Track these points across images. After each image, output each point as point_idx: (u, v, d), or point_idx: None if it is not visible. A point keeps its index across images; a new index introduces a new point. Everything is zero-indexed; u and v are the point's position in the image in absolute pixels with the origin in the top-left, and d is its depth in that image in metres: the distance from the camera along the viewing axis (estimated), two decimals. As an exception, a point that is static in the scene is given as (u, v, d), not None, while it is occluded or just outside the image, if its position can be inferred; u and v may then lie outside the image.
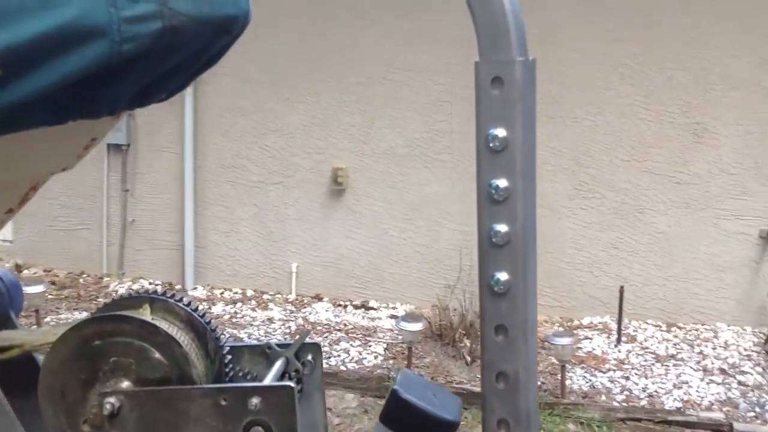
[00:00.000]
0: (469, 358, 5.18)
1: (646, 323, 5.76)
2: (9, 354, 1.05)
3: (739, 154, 5.52)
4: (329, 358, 5.28)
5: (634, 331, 5.69)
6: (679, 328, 5.73)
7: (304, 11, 6.05)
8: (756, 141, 5.47)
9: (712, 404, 4.70)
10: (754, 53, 5.39)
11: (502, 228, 0.84)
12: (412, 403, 0.99)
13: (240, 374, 1.10)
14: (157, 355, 0.99)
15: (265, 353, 1.11)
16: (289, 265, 6.33)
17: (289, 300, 6.30)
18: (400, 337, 5.40)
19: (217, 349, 1.05)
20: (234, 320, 5.97)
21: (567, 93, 5.67)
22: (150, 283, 6.60)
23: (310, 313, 6.05)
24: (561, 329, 5.60)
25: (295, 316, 6.01)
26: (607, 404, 4.70)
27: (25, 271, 6.81)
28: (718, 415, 4.50)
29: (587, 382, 5.00)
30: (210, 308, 6.17)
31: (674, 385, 4.95)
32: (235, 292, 6.47)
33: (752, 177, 5.52)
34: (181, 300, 1.05)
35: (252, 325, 5.88)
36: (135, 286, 6.54)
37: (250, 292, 6.43)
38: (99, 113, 0.89)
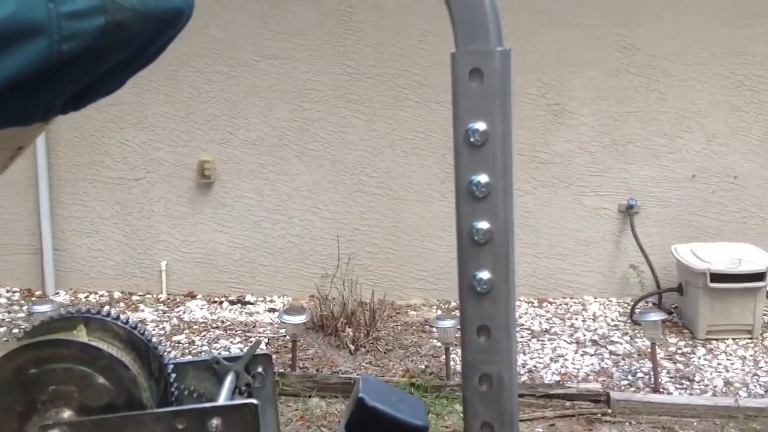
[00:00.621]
0: (352, 347, 5.18)
1: (519, 300, 5.93)
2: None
3: (596, 133, 5.75)
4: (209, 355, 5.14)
5: (507, 308, 5.84)
6: (550, 303, 5.93)
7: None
8: (611, 120, 5.72)
9: (588, 375, 4.90)
10: (606, 34, 5.62)
11: (483, 225, 0.81)
12: (380, 411, 0.95)
13: (186, 393, 1.02)
14: (101, 379, 0.90)
15: (212, 368, 1.03)
16: (158, 263, 6.11)
17: (161, 300, 6.08)
18: (281, 331, 5.33)
19: (161, 368, 0.97)
20: (102, 324, 5.70)
21: (433, 77, 5.72)
22: (7, 291, 6.21)
23: (184, 312, 5.86)
24: (440, 312, 5.68)
25: (168, 316, 5.81)
26: (490, 382, 4.81)
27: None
28: (595, 386, 4.70)
29: (467, 362, 5.09)
30: (74, 313, 5.87)
31: (551, 359, 5.12)
32: (102, 295, 6.19)
33: (609, 154, 5.77)
34: (118, 318, 0.97)
35: (122, 328, 5.64)
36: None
37: (117, 294, 6.17)
38: (32, 119, 0.79)
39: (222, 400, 0.97)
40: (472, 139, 0.79)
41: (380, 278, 5.92)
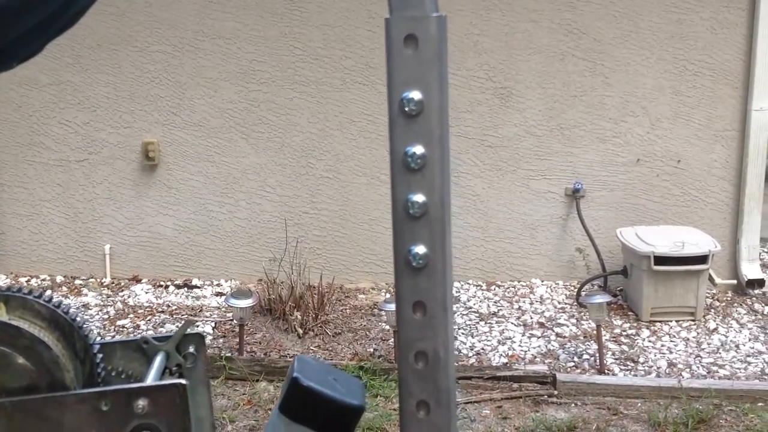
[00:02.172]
0: (300, 331, 5.14)
1: (468, 283, 5.95)
2: None
3: (543, 117, 5.78)
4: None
5: (457, 291, 5.86)
6: (498, 286, 5.96)
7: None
8: (558, 103, 5.75)
9: (535, 357, 4.93)
10: (551, 19, 5.64)
11: (419, 198, 0.78)
12: (315, 390, 0.92)
13: (114, 374, 0.98)
14: (22, 360, 0.86)
15: (141, 348, 0.99)
16: (101, 246, 5.99)
17: (105, 284, 5.97)
18: (228, 315, 5.27)
19: (86, 348, 0.93)
20: (43, 309, 5.57)
21: (380, 59, 5.67)
22: (-57, 276, 6.04)
23: (128, 296, 5.76)
24: (389, 295, 5.67)
25: (112, 300, 5.70)
26: (437, 364, 4.82)
27: None
28: (541, 368, 4.74)
29: (415, 345, 5.09)
30: (15, 298, 5.73)
31: (499, 342, 5.15)
32: (43, 279, 6.05)
33: (556, 138, 5.80)
34: (41, 296, 0.92)
35: (64, 313, 5.52)
36: (-75, 280, 5.95)
37: (59, 278, 6.04)
38: None
39: (150, 380, 0.93)
40: (406, 109, 0.77)
41: (329, 262, 5.88)
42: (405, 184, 0.78)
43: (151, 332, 5.19)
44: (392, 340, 4.86)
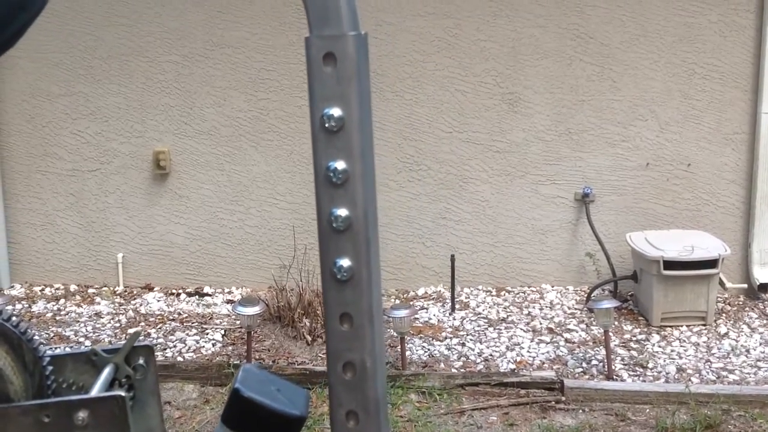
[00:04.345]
0: (309, 338, 5.16)
1: (477, 289, 5.95)
2: None
3: (551, 122, 5.77)
4: (165, 350, 5.10)
5: (466, 297, 5.87)
6: (508, 291, 5.96)
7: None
8: (566, 108, 5.75)
9: (543, 363, 4.92)
10: (557, 23, 5.64)
11: (342, 212, 0.80)
12: (255, 401, 0.93)
13: (64, 386, 1.00)
14: (-35, 374, 0.88)
15: (90, 360, 1.01)
16: (114, 255, 6.05)
17: (117, 292, 6.03)
18: (238, 322, 5.30)
19: (35, 361, 0.95)
20: (58, 318, 5.64)
21: (389, 66, 5.72)
22: (-41, 285, 6.13)
23: (141, 305, 5.81)
24: (398, 302, 5.69)
25: (125, 309, 5.76)
26: (446, 372, 4.83)
27: None
28: (549, 374, 4.72)
29: (426, 352, 5.11)
30: (30, 307, 5.80)
31: (507, 348, 5.14)
32: (57, 288, 6.12)
33: (564, 143, 5.79)
34: (-11, 310, 0.94)
35: (78, 321, 5.58)
36: (-58, 290, 6.04)
37: (73, 287, 6.10)
38: None
39: (95, 392, 0.95)
40: (327, 125, 0.78)
41: (338, 268, 5.90)
42: (328, 198, 0.79)
43: (161, 340, 5.24)
44: (399, 347, 4.87)
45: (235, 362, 4.78)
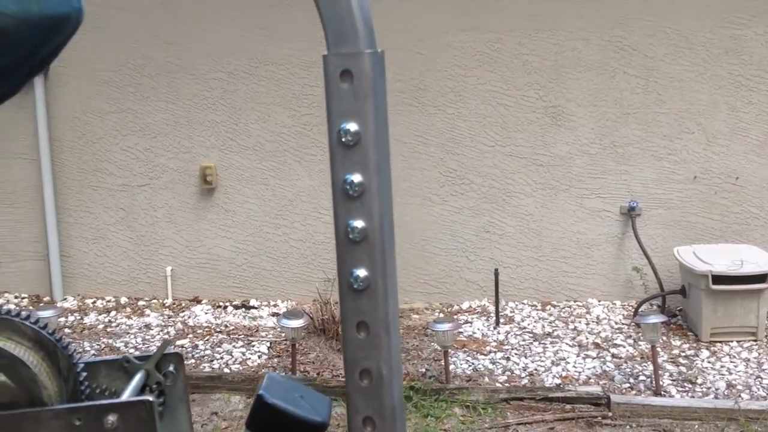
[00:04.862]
0: (351, 351, 5.18)
1: (522, 303, 5.92)
2: None
3: (595, 135, 5.74)
4: (212, 361, 5.18)
5: (511, 312, 5.84)
6: (554, 306, 5.92)
7: (157, 7, 5.88)
8: (610, 121, 5.71)
9: (590, 378, 4.88)
10: (600, 36, 5.61)
11: (358, 224, 0.82)
12: (279, 407, 0.96)
13: (98, 391, 1.04)
14: (2, 377, 0.92)
15: (123, 367, 1.06)
16: (163, 268, 6.16)
17: (166, 305, 6.14)
18: (283, 335, 5.36)
19: (70, 367, 0.99)
20: (109, 329, 5.76)
21: (430, 81, 5.75)
22: (16, 297, 6.29)
23: (189, 317, 5.91)
24: (442, 315, 5.69)
25: (173, 321, 5.86)
26: (491, 386, 4.81)
27: None
28: (595, 389, 4.68)
29: (470, 366, 5.10)
30: (82, 318, 5.94)
31: (552, 362, 5.11)
32: (108, 301, 6.25)
33: (609, 156, 5.75)
34: (27, 318, 0.99)
35: (129, 333, 5.70)
36: (0, 301, 6.21)
37: (124, 300, 6.23)
38: None
39: (125, 397, 0.99)
40: (344, 139, 0.81)
41: (382, 282, 5.92)
42: (345, 210, 0.82)
43: (208, 352, 5.31)
44: (443, 360, 4.87)
45: (280, 374, 4.82)
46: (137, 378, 1.02)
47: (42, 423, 0.91)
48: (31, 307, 6.01)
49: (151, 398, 0.92)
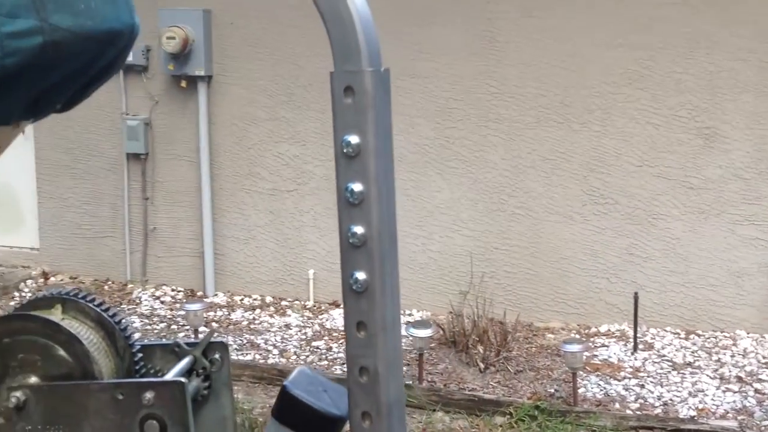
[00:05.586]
0: (482, 365, 5.20)
1: (665, 330, 5.72)
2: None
3: (751, 159, 5.47)
4: (344, 363, 5.32)
5: (651, 338, 5.66)
6: (698, 335, 5.67)
7: (312, 22, 6.12)
8: (769, 145, 5.43)
9: (727, 413, 4.65)
10: (760, 57, 5.34)
11: (359, 230, 0.88)
12: (299, 399, 1.03)
13: (152, 371, 1.15)
14: (61, 352, 1.05)
15: (174, 351, 1.16)
16: (306, 271, 6.40)
17: (307, 307, 6.37)
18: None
19: (126, 347, 1.11)
20: (252, 326, 6.05)
21: (576, 97, 5.67)
22: (172, 290, 6.72)
23: (327, 320, 6.11)
24: (577, 336, 5.60)
25: (312, 323, 6.08)
26: (620, 412, 4.69)
27: (52, 279, 6.97)
28: (731, 424, 4.47)
29: (601, 390, 4.99)
30: (229, 314, 6.27)
31: (690, 393, 4.92)
32: (255, 299, 6.55)
33: (766, 182, 5.46)
34: (92, 300, 1.11)
35: (269, 331, 5.96)
36: (158, 293, 6.66)
37: (268, 299, 6.52)
38: None
39: (166, 378, 1.09)
40: (345, 150, 0.87)
41: (518, 299, 5.90)
42: (347, 216, 0.88)
43: (341, 355, 5.47)
44: (572, 382, 4.78)
45: (406, 382, 4.91)
46: (184, 362, 1.12)
47: (90, 395, 1.02)
48: (185, 301, 6.40)
49: (183, 380, 1.01)
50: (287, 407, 1.04)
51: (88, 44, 0.93)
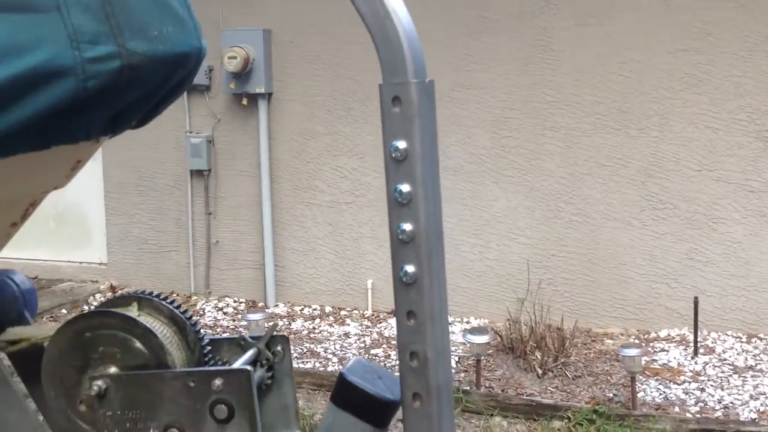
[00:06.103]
0: (540, 371, 5.22)
1: (726, 334, 5.67)
2: (18, 346, 1.24)
3: (814, 161, 5.40)
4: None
5: (712, 342, 5.61)
6: (760, 339, 5.61)
7: (368, 38, 6.23)
8: (833, 146, 5.35)
9: (789, 416, 4.60)
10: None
11: (407, 227, 0.96)
12: (356, 384, 1.12)
13: (220, 363, 1.25)
14: (138, 344, 1.15)
15: (240, 345, 1.26)
16: (364, 281, 6.50)
17: (366, 316, 6.46)
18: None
19: (196, 341, 1.21)
20: (312, 335, 6.17)
21: (633, 104, 5.67)
22: (235, 301, 6.88)
23: (385, 328, 6.19)
24: (636, 341, 5.58)
25: (370, 331, 6.17)
26: (680, 416, 4.67)
27: (120, 292, 7.21)
28: (791, 426, 4.41)
29: (661, 394, 4.97)
30: (290, 324, 6.39)
31: (751, 396, 4.87)
32: (314, 309, 6.67)
33: (830, 183, 5.38)
34: (165, 298, 1.21)
35: (329, 340, 6.07)
36: (221, 305, 6.83)
37: (328, 309, 6.63)
38: (75, 139, 1.05)
39: (236, 366, 1.18)
40: (394, 155, 0.95)
41: (576, 305, 5.91)
42: (396, 215, 0.96)
43: (396, 363, 5.54)
44: (631, 386, 4.78)
45: (464, 388, 4.96)
46: (249, 353, 1.22)
47: (165, 383, 1.12)
48: (247, 311, 6.55)
49: (249, 368, 1.11)
50: (344, 393, 1.12)
51: (161, 67, 1.03)
